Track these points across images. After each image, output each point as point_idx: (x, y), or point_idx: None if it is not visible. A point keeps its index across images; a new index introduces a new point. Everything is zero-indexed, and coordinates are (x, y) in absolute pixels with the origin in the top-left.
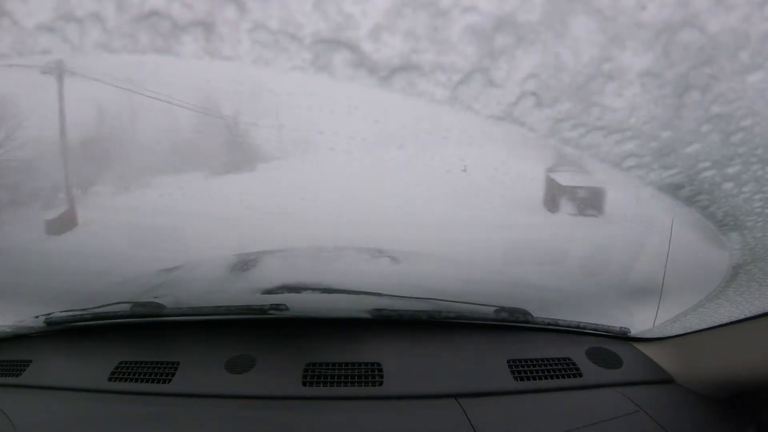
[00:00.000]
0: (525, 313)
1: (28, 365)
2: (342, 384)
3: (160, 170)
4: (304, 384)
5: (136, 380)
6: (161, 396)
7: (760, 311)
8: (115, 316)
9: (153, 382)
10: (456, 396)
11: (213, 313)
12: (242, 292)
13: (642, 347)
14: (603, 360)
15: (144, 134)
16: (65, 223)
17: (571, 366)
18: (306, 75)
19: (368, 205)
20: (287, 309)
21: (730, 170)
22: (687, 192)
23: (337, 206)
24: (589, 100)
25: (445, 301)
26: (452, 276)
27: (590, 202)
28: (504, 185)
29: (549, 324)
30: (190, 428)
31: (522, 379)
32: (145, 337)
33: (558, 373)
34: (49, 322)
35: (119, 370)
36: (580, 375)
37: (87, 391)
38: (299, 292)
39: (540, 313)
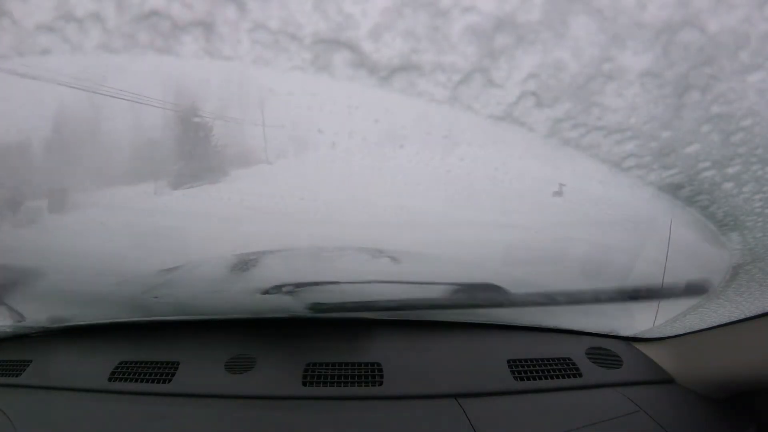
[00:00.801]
0: (497, 288)
1: (28, 365)
2: (342, 384)
3: (155, 171)
4: (304, 384)
5: (136, 380)
6: (161, 396)
7: (760, 311)
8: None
9: (153, 382)
10: (456, 396)
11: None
12: (242, 292)
13: (642, 347)
14: (603, 360)
15: (143, 137)
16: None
17: (571, 366)
18: (306, 75)
19: (368, 205)
20: (287, 309)
21: (730, 170)
22: (687, 192)
23: (337, 206)
24: (589, 100)
25: (424, 283)
26: (452, 276)
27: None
28: (504, 185)
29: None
30: (190, 428)
31: (522, 379)
32: (145, 337)
33: (558, 373)
34: (49, 322)
35: (119, 370)
36: (580, 375)
37: (87, 391)
38: (299, 292)
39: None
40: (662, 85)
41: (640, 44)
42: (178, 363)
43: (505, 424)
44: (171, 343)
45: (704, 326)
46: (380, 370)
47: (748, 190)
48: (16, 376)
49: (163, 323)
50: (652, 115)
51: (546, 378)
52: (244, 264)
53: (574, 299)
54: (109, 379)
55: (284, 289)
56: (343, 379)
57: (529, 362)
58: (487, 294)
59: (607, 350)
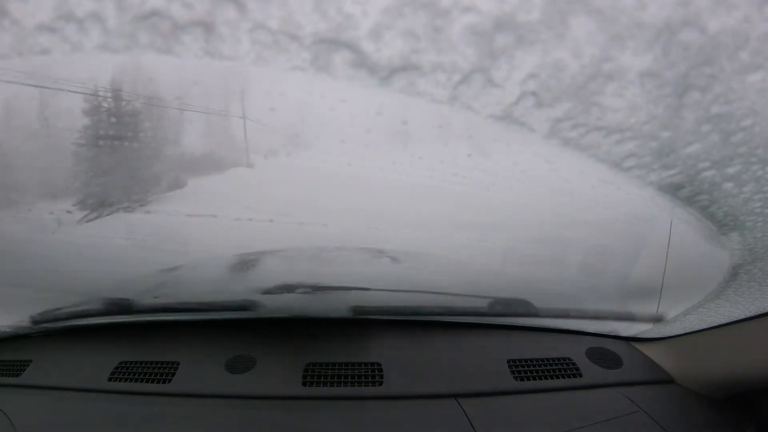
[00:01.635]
0: (526, 304)
1: (28, 365)
2: (342, 384)
3: (159, 174)
4: (304, 384)
5: (136, 380)
6: (161, 396)
7: (760, 311)
8: (115, 316)
9: (153, 382)
10: (456, 396)
11: (211, 309)
12: (242, 292)
13: (642, 347)
14: (603, 360)
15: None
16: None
17: (571, 366)
18: (306, 75)
19: (369, 205)
20: (287, 309)
21: (730, 170)
22: (687, 192)
23: (337, 206)
24: (589, 100)
25: (442, 294)
26: (452, 276)
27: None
28: (504, 185)
29: (549, 323)
30: (190, 428)
31: (522, 379)
32: (145, 337)
33: (558, 373)
34: (49, 322)
35: (119, 370)
36: (580, 375)
37: (87, 391)
38: (299, 292)
39: (540, 312)
40: (662, 85)
41: (640, 44)
42: (178, 363)
43: (505, 424)
44: (171, 343)
45: (704, 326)
46: (380, 370)
47: (748, 190)
48: (16, 376)
49: (163, 323)
50: (652, 115)
51: (546, 378)
52: (244, 264)
53: (575, 299)
54: (109, 379)
55: (284, 289)
56: (343, 379)
57: (529, 362)
58: (516, 308)
59: (607, 350)
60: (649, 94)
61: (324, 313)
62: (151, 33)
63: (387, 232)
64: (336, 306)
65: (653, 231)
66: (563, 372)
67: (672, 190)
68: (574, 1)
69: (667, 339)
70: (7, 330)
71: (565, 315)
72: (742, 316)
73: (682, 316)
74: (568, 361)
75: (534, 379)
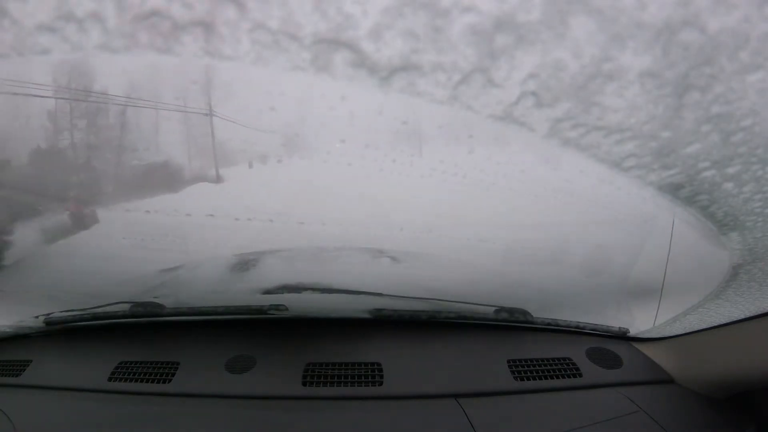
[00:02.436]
0: (525, 313)
1: (28, 365)
2: (342, 384)
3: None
4: (304, 384)
5: (136, 380)
6: (161, 396)
7: (760, 311)
8: (115, 316)
9: (153, 382)
10: (456, 396)
11: (213, 313)
12: (242, 292)
13: (642, 347)
14: (603, 360)
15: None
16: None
17: (571, 366)
18: (306, 75)
19: (369, 205)
20: (287, 309)
21: (730, 170)
22: (687, 192)
23: (337, 206)
24: (589, 100)
25: (445, 301)
26: (452, 276)
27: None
28: (504, 185)
29: (549, 324)
30: (190, 428)
31: (522, 379)
32: (145, 337)
33: (558, 373)
34: (49, 322)
35: (119, 370)
36: (580, 375)
37: (87, 391)
38: (299, 292)
39: (540, 313)
40: (662, 85)
41: (640, 44)
42: (178, 363)
43: (505, 424)
44: (171, 343)
45: (704, 326)
46: (380, 370)
47: (748, 190)
48: (16, 376)
49: (163, 323)
50: (652, 115)
51: (546, 378)
52: (244, 264)
53: (574, 299)
54: (109, 379)
55: (284, 289)
56: (343, 379)
57: (529, 362)
58: (513, 315)
59: (607, 350)
60: (649, 94)
61: (324, 313)
62: (151, 33)
63: (387, 232)
64: (336, 306)
65: (653, 231)
66: (563, 372)
67: (672, 190)
68: (574, 1)
69: (667, 339)
70: (7, 330)
71: (565, 323)
72: (742, 316)
73: (682, 316)
74: (568, 361)
75: (534, 379)
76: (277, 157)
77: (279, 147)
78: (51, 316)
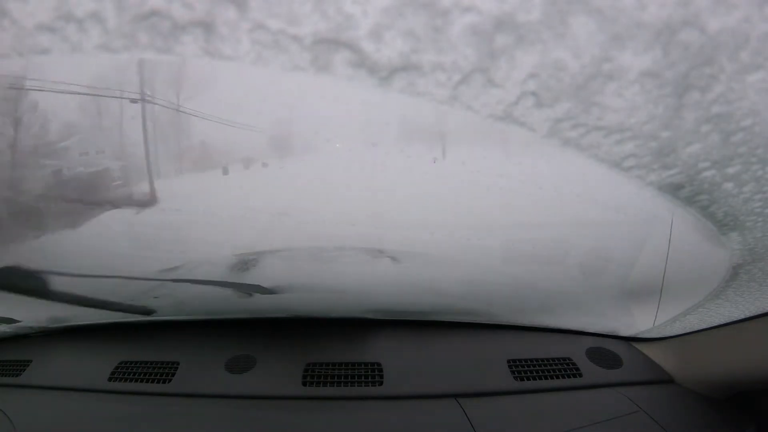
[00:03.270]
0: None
1: (28, 365)
2: (342, 384)
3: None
4: (304, 384)
5: (136, 380)
6: (161, 396)
7: (760, 311)
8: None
9: (153, 382)
10: (456, 396)
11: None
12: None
13: (642, 347)
14: (603, 360)
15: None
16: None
17: (571, 366)
18: (306, 75)
19: (369, 205)
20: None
21: (730, 170)
22: (687, 192)
23: (337, 206)
24: (589, 100)
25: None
26: (452, 276)
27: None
28: (504, 185)
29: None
30: (190, 428)
31: (522, 379)
32: (145, 337)
33: (558, 373)
34: (49, 322)
35: (119, 370)
36: (580, 375)
37: (87, 391)
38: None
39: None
40: (662, 85)
41: (640, 44)
42: (178, 363)
43: (505, 424)
44: (171, 343)
45: (704, 326)
46: (380, 370)
47: (748, 190)
48: (16, 376)
49: (163, 323)
50: (652, 115)
51: (546, 378)
52: (244, 264)
53: (574, 299)
54: (109, 379)
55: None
56: (343, 379)
57: (529, 362)
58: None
59: (607, 350)
60: (649, 94)
61: (324, 313)
62: (151, 33)
63: (387, 232)
64: (336, 306)
65: (653, 231)
66: (563, 372)
67: (672, 190)
68: (574, 1)
69: (667, 339)
70: (7, 330)
71: (565, 323)
72: (742, 316)
73: (682, 316)
74: (568, 361)
75: (534, 379)
76: (276, 158)
77: (278, 147)
78: (51, 316)
